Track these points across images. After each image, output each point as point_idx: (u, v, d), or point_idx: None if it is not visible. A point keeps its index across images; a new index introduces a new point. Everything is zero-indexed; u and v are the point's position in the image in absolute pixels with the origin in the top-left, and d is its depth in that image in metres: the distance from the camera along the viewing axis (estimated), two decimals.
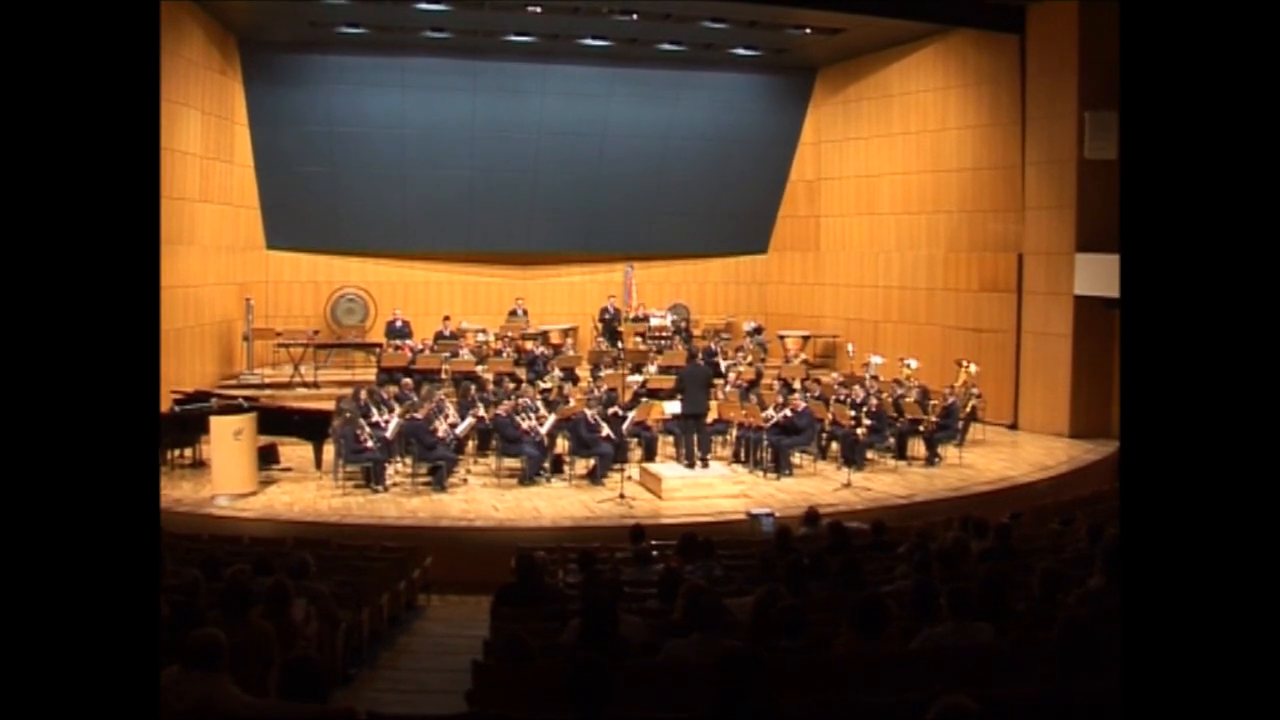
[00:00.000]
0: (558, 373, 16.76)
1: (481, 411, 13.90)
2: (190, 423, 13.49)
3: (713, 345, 18.47)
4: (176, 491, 12.57)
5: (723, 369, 16.93)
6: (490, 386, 15.38)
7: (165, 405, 13.58)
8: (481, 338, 18.33)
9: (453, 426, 13.45)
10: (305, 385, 17.39)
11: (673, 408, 13.89)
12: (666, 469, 13.19)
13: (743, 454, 14.36)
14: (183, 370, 15.66)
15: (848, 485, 13.13)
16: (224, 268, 17.90)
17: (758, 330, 20.19)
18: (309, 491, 12.78)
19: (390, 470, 13.21)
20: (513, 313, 19.46)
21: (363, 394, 13.72)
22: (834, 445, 14.61)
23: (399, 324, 18.74)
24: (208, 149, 16.90)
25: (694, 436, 13.25)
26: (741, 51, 19.47)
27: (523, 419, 13.39)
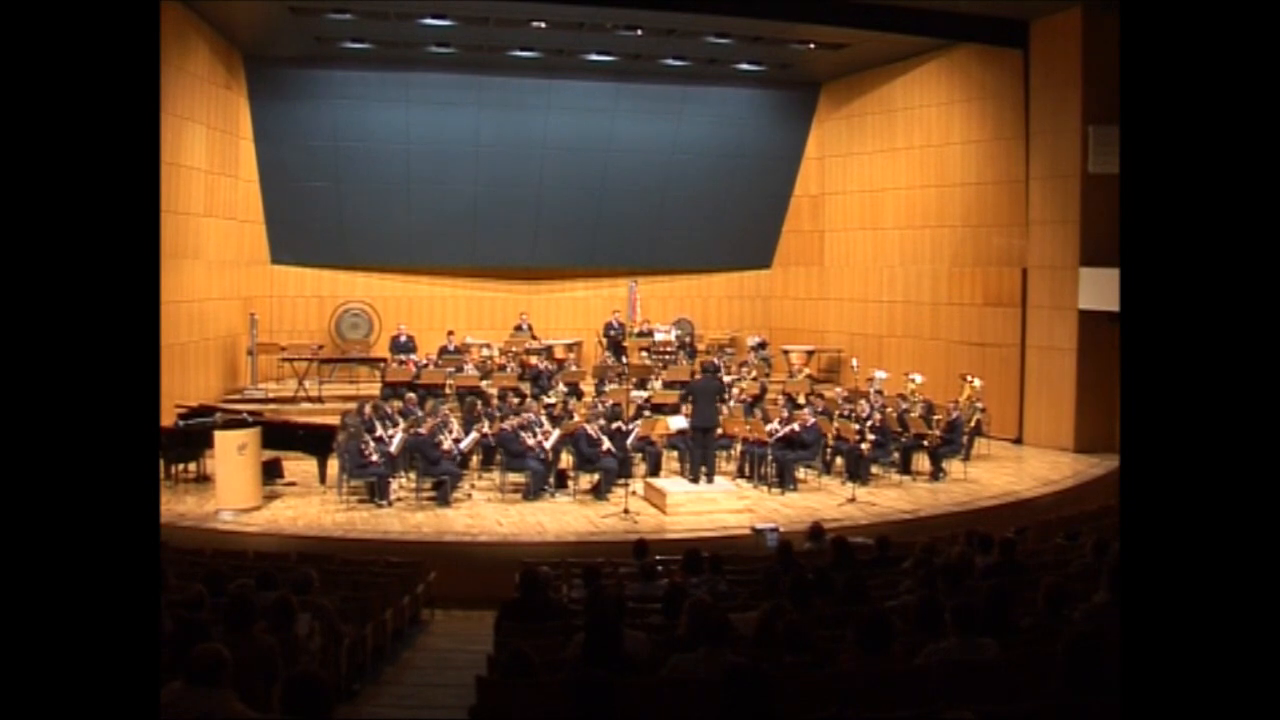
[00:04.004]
0: (562, 388, 16.78)
1: (486, 426, 13.90)
2: (194, 437, 13.51)
3: (716, 360, 18.48)
4: (180, 506, 12.57)
5: (727, 384, 16.91)
6: (494, 401, 15.38)
7: (169, 420, 13.60)
8: (486, 353, 18.35)
9: (457, 441, 13.46)
10: (309, 400, 17.42)
11: (677, 423, 13.88)
12: (671, 484, 13.17)
13: (747, 469, 14.34)
14: (187, 385, 15.69)
15: (852, 500, 13.10)
16: (228, 282, 17.95)
17: (762, 345, 20.20)
18: (313, 506, 12.77)
19: (394, 485, 13.21)
20: (517, 328, 19.48)
21: (367, 409, 13.73)
22: (839, 460, 14.60)
23: (403, 339, 18.76)
24: (212, 164, 16.98)
25: (703, 450, 13.24)
26: (745, 66, 19.54)
27: (527, 434, 13.39)
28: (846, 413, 14.89)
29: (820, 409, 14.69)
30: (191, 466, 13.98)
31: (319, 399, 17.45)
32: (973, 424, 15.55)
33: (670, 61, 18.99)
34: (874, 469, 14.41)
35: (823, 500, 13.30)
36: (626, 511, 12.37)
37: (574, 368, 18.11)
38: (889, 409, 14.80)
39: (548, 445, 13.40)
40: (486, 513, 12.59)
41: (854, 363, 18.83)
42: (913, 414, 14.90)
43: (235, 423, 13.22)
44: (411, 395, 15.22)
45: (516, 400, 15.15)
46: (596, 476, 13.42)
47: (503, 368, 17.55)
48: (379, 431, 13.32)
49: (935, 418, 15.11)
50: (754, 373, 18.03)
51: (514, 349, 18.36)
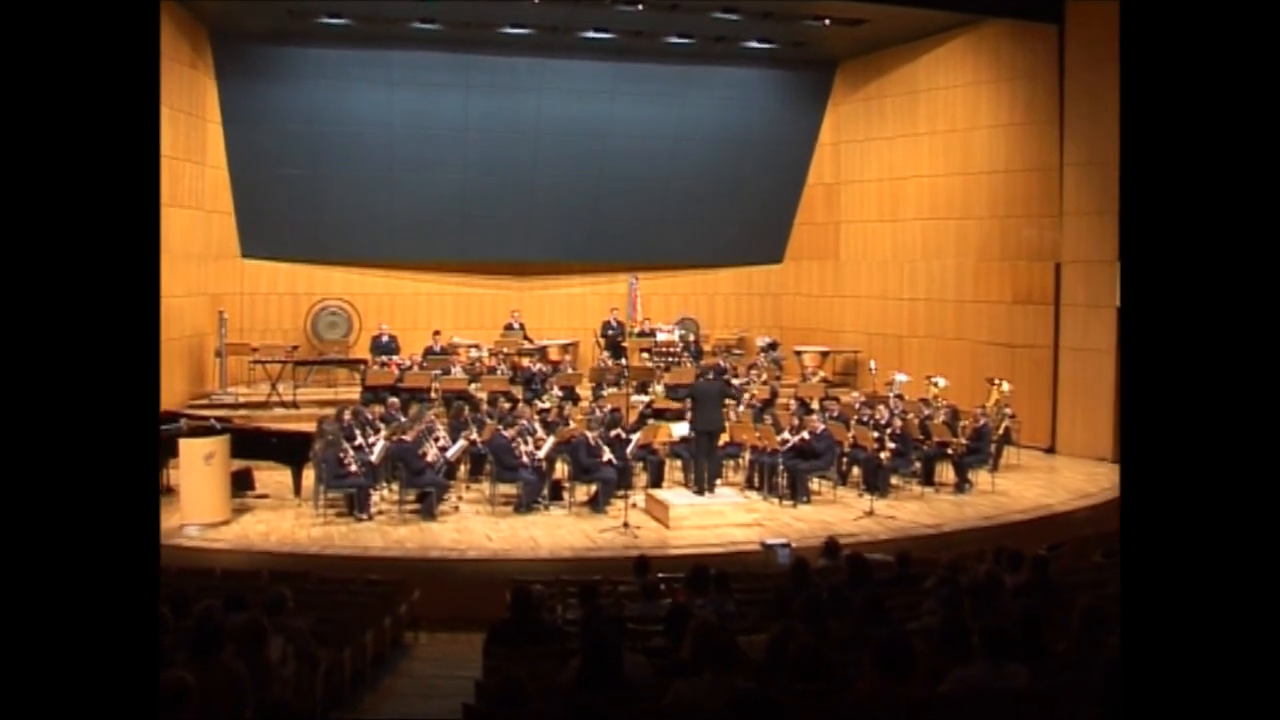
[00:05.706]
0: (557, 392, 16.80)
1: (474, 433, 13.91)
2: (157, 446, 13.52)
3: (722, 362, 18.47)
4: None
5: (735, 388, 16.92)
6: (484, 406, 15.41)
7: None
8: (474, 354, 18.38)
9: (443, 450, 13.46)
10: (283, 405, 17.42)
11: (681, 429, 13.89)
12: (674, 495, 13.18)
13: (756, 479, 14.35)
14: None
15: (870, 513, 13.11)
16: (195, 278, 17.96)
17: (772, 346, 20.21)
18: (287, 520, 12.78)
19: (375, 497, 13.21)
20: (508, 327, 19.50)
21: (346, 415, 13.76)
22: (855, 470, 14.59)
23: (385, 339, 18.79)
24: (177, 149, 16.98)
25: (705, 458, 13.24)
26: (755, 44, 19.55)
27: (519, 442, 13.39)
28: (864, 419, 14.89)
29: (833, 415, 14.70)
30: None
31: (293, 404, 17.45)
32: (1001, 431, 15.55)
33: (673, 39, 19.00)
34: (894, 480, 14.41)
35: (838, 513, 13.30)
36: (626, 525, 12.37)
37: (570, 370, 18.14)
38: (910, 415, 14.82)
39: (541, 454, 13.41)
40: (475, 527, 12.60)
41: (872, 365, 18.85)
42: (936, 420, 14.91)
43: (202, 430, 13.20)
44: (394, 400, 15.26)
45: (508, 405, 15.18)
46: (594, 487, 13.41)
47: (493, 370, 17.58)
48: (359, 439, 13.32)
49: (960, 424, 15.10)
50: (764, 376, 18.06)
51: (505, 350, 18.39)
